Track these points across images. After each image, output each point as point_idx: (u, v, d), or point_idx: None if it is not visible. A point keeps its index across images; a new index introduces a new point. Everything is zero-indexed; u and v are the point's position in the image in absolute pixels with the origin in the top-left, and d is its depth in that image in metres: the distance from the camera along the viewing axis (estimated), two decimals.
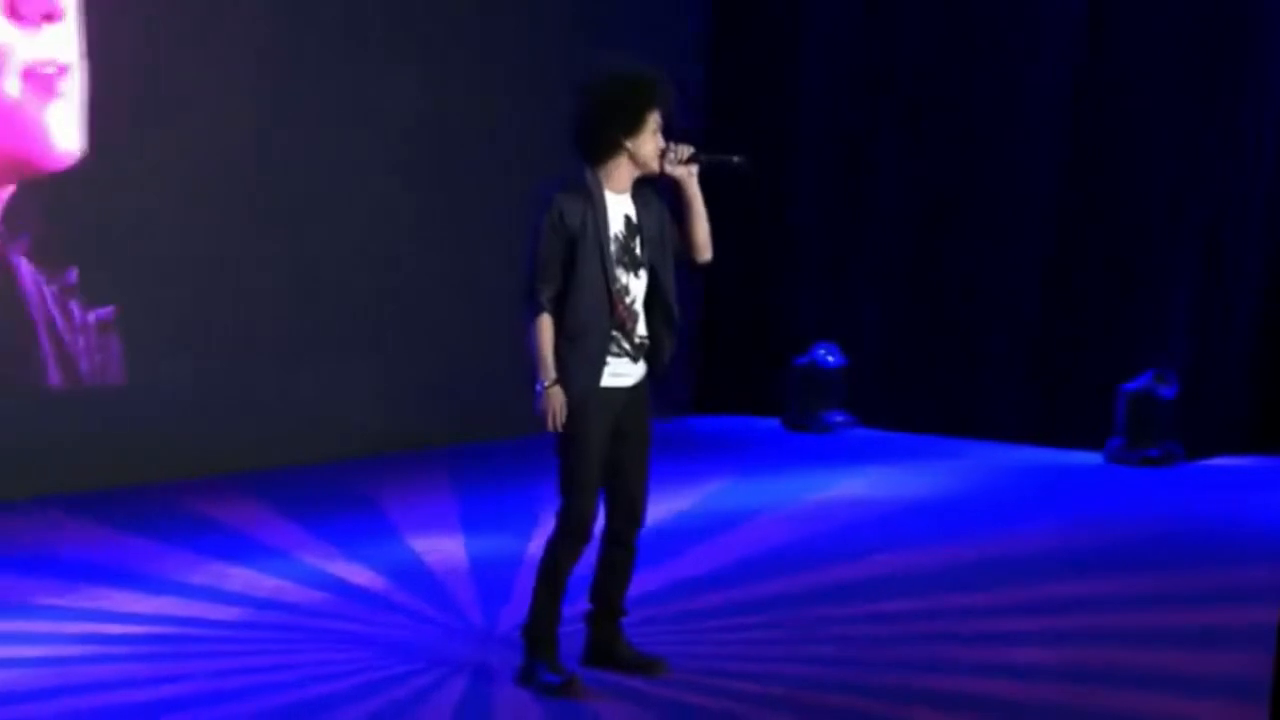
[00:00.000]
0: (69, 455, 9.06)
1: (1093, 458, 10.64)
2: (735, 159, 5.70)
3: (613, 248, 5.26)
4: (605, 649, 5.60)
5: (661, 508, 9.24)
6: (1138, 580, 7.67)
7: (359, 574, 7.56)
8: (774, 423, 12.19)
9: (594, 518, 5.30)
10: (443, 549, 8.04)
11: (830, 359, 11.79)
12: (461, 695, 5.66)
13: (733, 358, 12.52)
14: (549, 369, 5.13)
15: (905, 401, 11.84)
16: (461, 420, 11.46)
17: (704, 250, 5.47)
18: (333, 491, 9.54)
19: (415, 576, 7.58)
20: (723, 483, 10.36)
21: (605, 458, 5.29)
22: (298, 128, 10.47)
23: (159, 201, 9.56)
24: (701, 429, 12.40)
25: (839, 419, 11.59)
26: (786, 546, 8.59)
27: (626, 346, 5.28)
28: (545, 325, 5.11)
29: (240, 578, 7.33)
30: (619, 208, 5.26)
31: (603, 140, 5.19)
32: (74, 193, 9.54)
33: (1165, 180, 11.05)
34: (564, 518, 5.30)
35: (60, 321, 9.27)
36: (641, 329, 5.33)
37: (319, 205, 10.68)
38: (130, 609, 6.84)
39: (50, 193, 9.59)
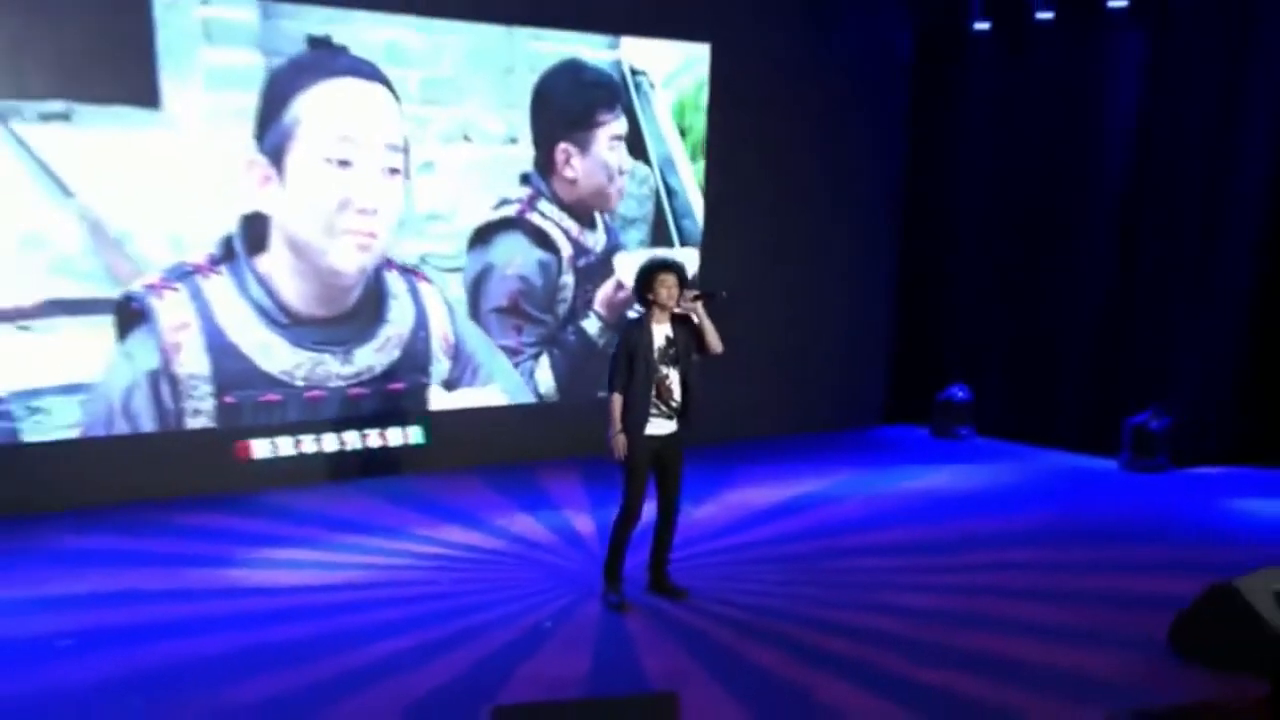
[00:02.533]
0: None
1: (1112, 464, 12.13)
2: (723, 293, 7.93)
3: (655, 354, 7.42)
4: (655, 580, 7.91)
5: (790, 489, 11.29)
6: (1078, 551, 9.18)
7: (540, 532, 9.68)
8: (925, 432, 13.97)
9: (640, 508, 7.61)
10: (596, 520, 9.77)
11: (960, 394, 13.66)
12: (573, 605, 7.87)
13: (909, 387, 14.24)
14: (617, 424, 7.36)
15: (1008, 418, 13.39)
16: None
17: (712, 349, 7.68)
18: (527, 480, 11.08)
19: (574, 538, 9.50)
20: (855, 471, 12.16)
21: (650, 474, 7.63)
22: None
23: None
24: (876, 434, 14.07)
25: (964, 431, 13.42)
26: (844, 517, 10.54)
27: (664, 409, 7.49)
28: (617, 401, 7.38)
29: (521, 524, 9.54)
30: (661, 331, 7.42)
31: (641, 300, 7.56)
32: None
33: (1163, 268, 12.09)
34: (623, 507, 7.58)
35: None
36: (676, 398, 7.51)
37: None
38: (408, 548, 9.16)
39: None
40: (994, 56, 13.30)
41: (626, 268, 12.00)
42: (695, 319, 7.55)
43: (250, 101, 10.20)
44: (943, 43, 13.69)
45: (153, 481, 10.16)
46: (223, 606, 7.80)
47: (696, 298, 7.55)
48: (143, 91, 9.57)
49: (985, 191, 13.54)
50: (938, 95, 13.88)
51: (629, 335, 7.49)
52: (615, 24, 12.11)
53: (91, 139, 9.49)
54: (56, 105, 9.31)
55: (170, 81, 9.66)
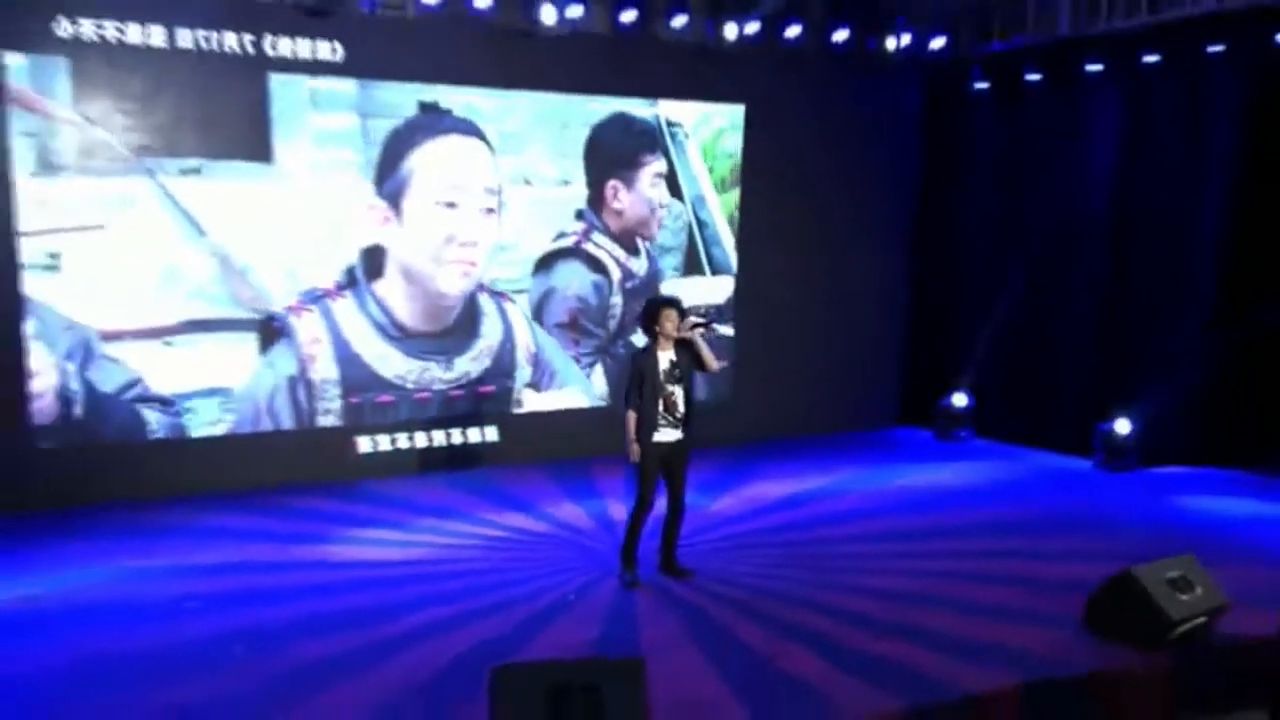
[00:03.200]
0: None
1: (1088, 464, 12.26)
2: (717, 329, 8.43)
3: (662, 376, 7.87)
4: (665, 563, 8.29)
5: (800, 483, 11.41)
6: (1033, 541, 9.31)
7: (581, 518, 10.04)
8: (930, 434, 14.05)
9: (652, 502, 8.09)
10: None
11: (962, 402, 13.79)
12: (595, 581, 8.21)
13: (918, 394, 14.33)
14: (631, 434, 7.85)
15: (1003, 422, 13.53)
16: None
17: (710, 368, 8.18)
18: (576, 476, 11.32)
19: (609, 524, 9.75)
20: (860, 469, 12.27)
21: (660, 475, 8.03)
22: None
23: None
24: (887, 435, 14.19)
25: (964, 434, 13.58)
26: (842, 509, 10.77)
27: (670, 419, 7.94)
28: (631, 417, 7.87)
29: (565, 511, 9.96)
30: (666, 356, 7.87)
31: (646, 330, 7.99)
32: None
33: (1138, 295, 12.19)
34: (637, 501, 8.04)
35: None
36: (680, 411, 7.96)
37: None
38: (470, 530, 9.65)
39: None
40: (992, 110, 13.55)
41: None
42: (697, 344, 7.94)
43: (349, 156, 10.96)
44: (948, 98, 13.96)
45: (277, 470, 10.89)
46: (314, 577, 8.42)
47: (695, 325, 7.96)
48: (259, 149, 10.45)
49: (985, 225, 13.75)
50: (944, 143, 14.12)
51: (639, 361, 7.95)
52: (661, 90, 12.57)
53: (219, 188, 10.36)
54: (192, 161, 10.14)
55: (281, 141, 10.53)
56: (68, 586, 8.16)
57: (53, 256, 9.86)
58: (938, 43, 12.81)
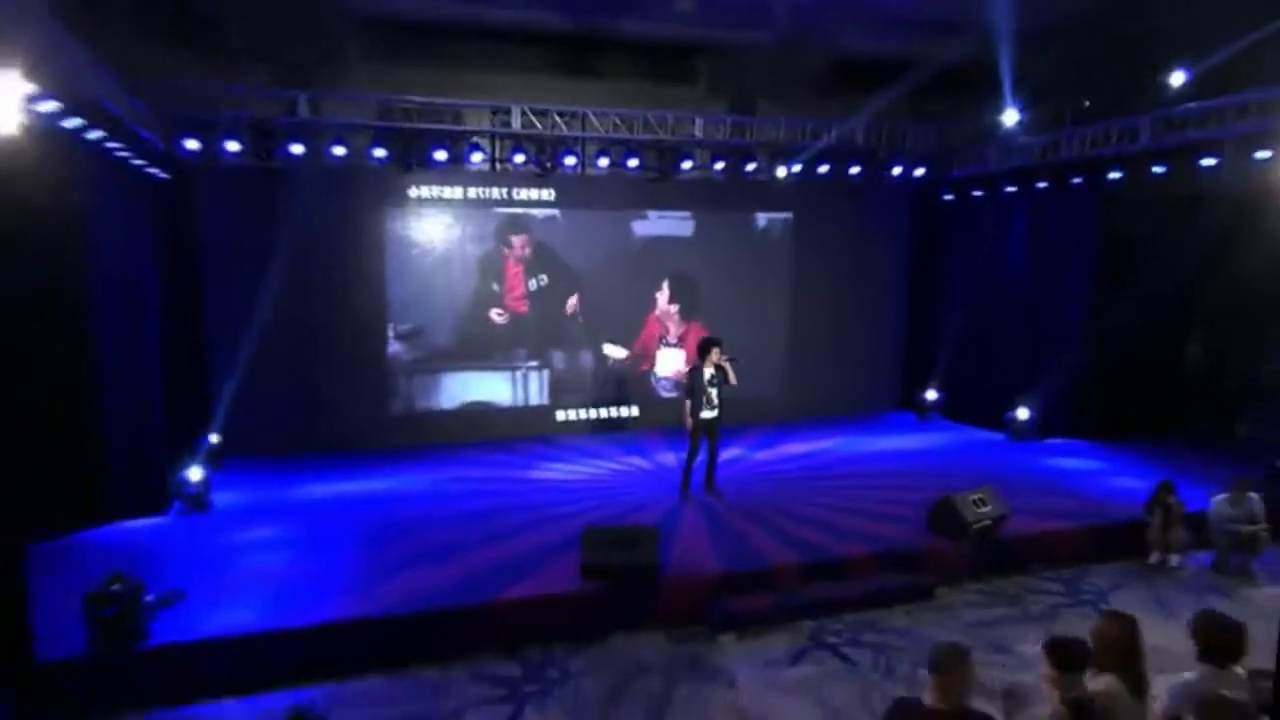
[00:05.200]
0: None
1: (1002, 437, 12.62)
2: (737, 359, 9.17)
3: (706, 381, 8.95)
4: (707, 486, 9.34)
5: (812, 445, 11.94)
6: (935, 480, 9.53)
7: (670, 461, 10.83)
8: (913, 416, 14.29)
9: (698, 452, 9.23)
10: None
11: (933, 395, 14.18)
12: (667, 497, 9.34)
13: (909, 388, 14.64)
14: (688, 413, 9.00)
15: (959, 409, 13.96)
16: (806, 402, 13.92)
17: (730, 382, 9.07)
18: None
19: (672, 468, 10.34)
20: (856, 437, 12.78)
21: (704, 436, 9.12)
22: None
23: None
24: (885, 416, 14.40)
25: (934, 416, 14.04)
26: (830, 461, 11.39)
27: (710, 406, 9.05)
28: (688, 403, 9.02)
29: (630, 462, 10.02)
30: (709, 371, 8.97)
31: (700, 356, 9.06)
32: None
33: (1040, 319, 12.50)
34: (690, 451, 9.21)
35: None
36: (716, 402, 9.08)
37: None
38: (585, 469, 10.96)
39: None
40: (954, 213, 14.09)
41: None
42: (727, 368, 9.22)
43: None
44: (927, 206, 14.46)
45: (513, 429, 12.57)
46: (524, 486, 10.14)
47: (728, 359, 9.24)
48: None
49: (951, 285, 14.14)
50: (924, 234, 14.63)
51: (694, 374, 9.20)
52: (754, 206, 13.55)
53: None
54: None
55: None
56: (399, 484, 10.14)
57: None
58: (919, 171, 13.22)
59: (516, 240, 12.45)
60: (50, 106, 5.86)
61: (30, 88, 5.32)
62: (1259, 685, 4.03)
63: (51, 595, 6.13)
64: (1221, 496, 8.20)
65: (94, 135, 7.17)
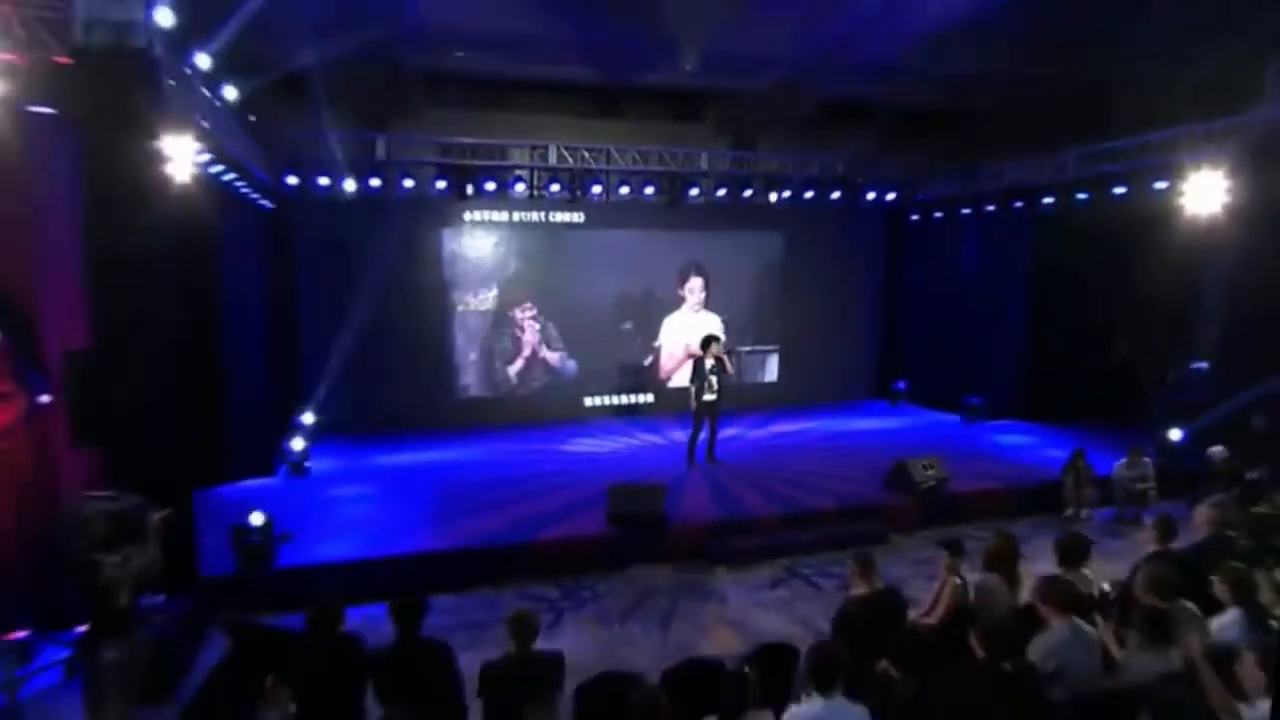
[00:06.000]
0: None
1: (957, 418, 12.94)
2: (737, 350, 10.06)
3: (708, 369, 9.44)
4: (709, 457, 9.93)
5: (797, 425, 12.35)
6: (894, 453, 9.54)
7: (680, 438, 10.89)
8: (885, 403, 14.69)
9: (701, 429, 9.84)
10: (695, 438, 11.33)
11: (902, 385, 14.61)
12: (678, 464, 9.80)
13: (883, 381, 14.93)
14: (693, 396, 9.55)
15: (923, 396, 14.40)
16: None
17: (728, 371, 9.55)
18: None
19: (680, 443, 10.40)
20: (834, 419, 13.14)
21: (706, 417, 9.69)
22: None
23: None
24: (861, 403, 14.81)
25: (902, 403, 14.44)
26: (809, 438, 11.84)
27: (711, 390, 9.56)
28: (693, 388, 9.56)
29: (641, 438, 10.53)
30: (710, 361, 9.46)
31: (704, 348, 9.47)
32: None
33: (989, 325, 12.98)
34: (694, 428, 9.85)
35: None
36: (716, 387, 9.57)
37: None
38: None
39: None
40: (920, 232, 14.51)
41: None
42: (725, 359, 9.84)
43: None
44: (897, 225, 14.89)
45: (551, 412, 13.17)
46: (558, 456, 10.85)
47: (726, 352, 9.95)
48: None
49: (917, 293, 14.67)
50: (896, 249, 15.10)
51: (697, 364, 9.80)
52: (750, 226, 13.69)
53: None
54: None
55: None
56: (458, 455, 10.91)
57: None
58: (890, 196, 13.64)
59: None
60: (205, 158, 6.90)
61: (198, 147, 6.42)
62: (1104, 589, 4.96)
63: (201, 532, 6.98)
64: (1122, 462, 8.95)
65: (228, 176, 8.14)
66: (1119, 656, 4.09)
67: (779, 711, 3.52)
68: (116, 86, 5.46)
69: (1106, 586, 5.00)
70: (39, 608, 5.78)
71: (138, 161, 5.78)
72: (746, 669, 3.59)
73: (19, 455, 5.82)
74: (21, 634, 5.59)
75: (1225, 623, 4.14)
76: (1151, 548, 5.21)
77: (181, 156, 6.16)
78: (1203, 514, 5.47)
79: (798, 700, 3.48)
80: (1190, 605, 4.00)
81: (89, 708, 4.56)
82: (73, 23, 5.39)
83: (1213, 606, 4.25)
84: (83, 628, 4.82)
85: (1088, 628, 4.05)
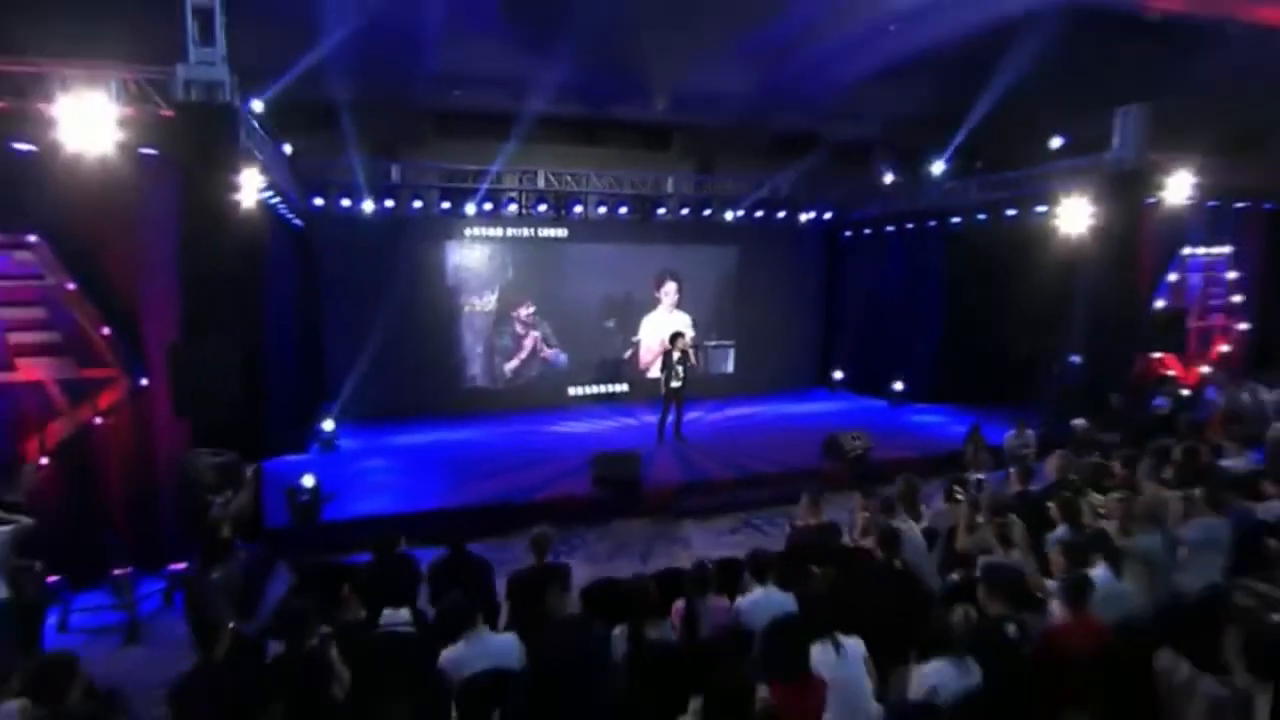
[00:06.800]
0: None
1: (884, 403, 13.49)
2: (703, 345, 10.98)
3: (675, 359, 9.96)
4: (676, 435, 10.31)
5: (753, 409, 12.81)
6: (835, 429, 9.97)
7: (651, 420, 10.78)
8: (825, 390, 15.14)
9: (669, 412, 10.29)
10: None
11: (840, 375, 15.07)
12: (652, 439, 10.25)
13: (825, 373, 15.46)
14: (662, 384, 10.08)
15: (858, 384, 14.81)
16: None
17: (692, 363, 10.03)
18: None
19: (652, 424, 10.77)
20: (786, 404, 13.61)
21: (673, 402, 10.21)
22: None
23: None
24: (806, 391, 15.19)
25: (840, 391, 14.85)
26: (760, 419, 12.33)
27: (678, 378, 10.06)
28: (662, 377, 10.06)
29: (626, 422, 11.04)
30: (677, 353, 9.97)
31: (671, 343, 10.08)
32: None
33: (911, 321, 13.54)
34: (662, 411, 10.38)
35: None
36: (681, 376, 10.07)
37: None
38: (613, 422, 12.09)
39: None
40: (854, 248, 15.14)
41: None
42: (690, 353, 10.53)
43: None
44: (833, 241, 15.46)
45: (541, 399, 13.45)
46: (548, 437, 11.33)
47: (692, 346, 10.63)
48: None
49: (842, 301, 15.38)
50: (833, 262, 15.63)
51: (666, 355, 10.32)
52: (711, 240, 14.07)
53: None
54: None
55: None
56: (464, 435, 11.41)
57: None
58: (827, 215, 14.21)
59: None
60: (264, 186, 7.78)
61: (263, 180, 7.30)
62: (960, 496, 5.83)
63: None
64: (1010, 433, 9.75)
65: (273, 200, 8.93)
66: (962, 542, 5.08)
67: (732, 598, 4.45)
68: (207, 133, 6.29)
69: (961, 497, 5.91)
70: (138, 549, 6.56)
71: (220, 192, 6.58)
72: (709, 565, 4.53)
73: (123, 427, 6.66)
74: (126, 569, 6.37)
75: (1057, 534, 5.05)
76: (1016, 488, 6.14)
77: (250, 187, 6.99)
78: (1051, 464, 6.48)
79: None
80: (1017, 519, 5.00)
81: (197, 617, 5.30)
82: (174, 83, 6.21)
83: (1050, 524, 5.22)
84: (174, 565, 5.78)
85: (916, 533, 5.13)
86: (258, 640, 4.19)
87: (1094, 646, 3.52)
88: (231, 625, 3.77)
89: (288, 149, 9.69)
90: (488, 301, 13.38)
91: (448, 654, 3.76)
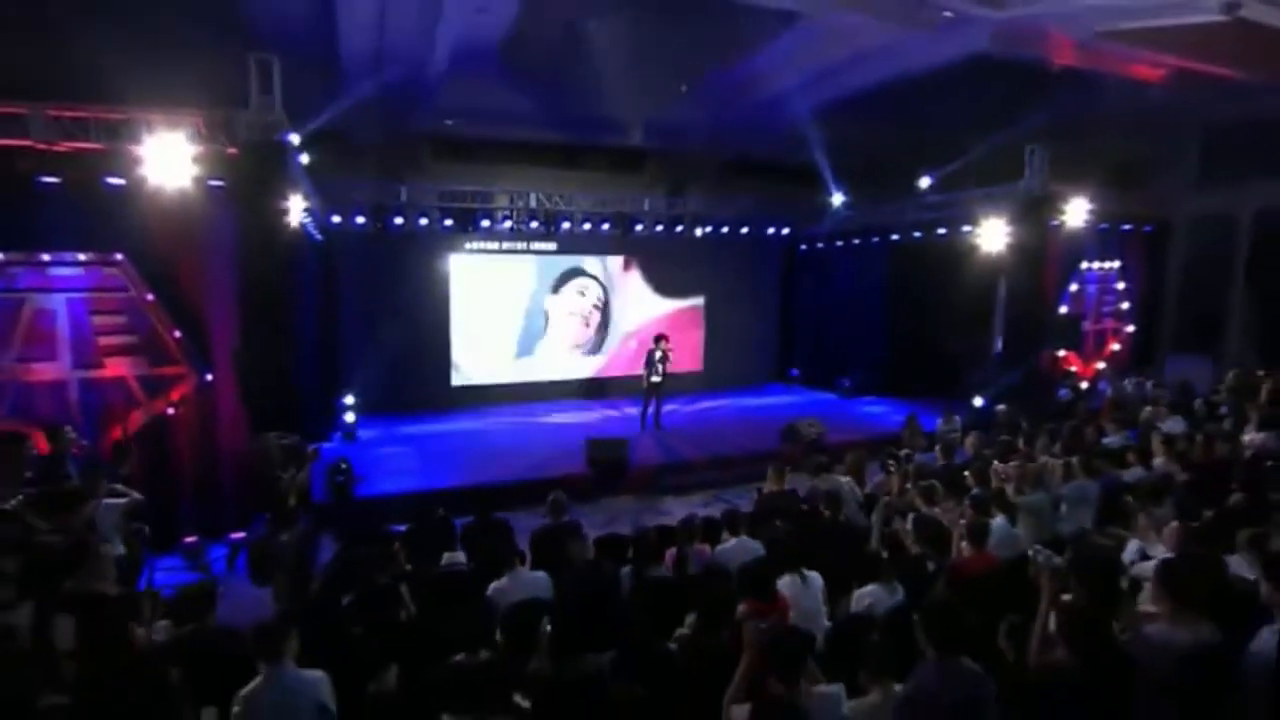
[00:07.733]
0: None
1: (834, 396, 14.08)
2: (672, 350, 10.75)
3: (658, 358, 10.66)
4: (655, 425, 10.83)
5: (718, 402, 13.36)
6: (790, 417, 10.56)
7: (634, 411, 11.38)
8: (782, 385, 15.62)
9: (650, 404, 11.03)
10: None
11: (796, 370, 15.61)
12: (633, 428, 10.85)
13: (783, 369, 15.98)
14: (645, 379, 10.88)
15: (812, 379, 15.32)
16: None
17: (670, 360, 10.66)
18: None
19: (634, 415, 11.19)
20: (748, 398, 14.12)
21: (652, 396, 10.85)
22: None
23: None
24: (764, 386, 15.48)
25: (796, 386, 15.41)
26: (731, 410, 12.91)
27: (658, 374, 10.73)
28: (645, 373, 10.84)
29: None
30: (659, 353, 10.67)
31: (656, 344, 10.76)
32: None
33: (860, 323, 14.15)
34: (644, 403, 11.00)
35: None
36: (661, 371, 10.77)
37: None
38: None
39: None
40: (810, 261, 15.67)
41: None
42: (668, 352, 11.09)
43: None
44: (792, 254, 15.85)
45: (533, 394, 13.78)
46: (539, 427, 11.76)
47: (669, 348, 11.15)
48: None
49: (806, 305, 15.81)
50: (792, 272, 16.05)
51: (650, 353, 10.89)
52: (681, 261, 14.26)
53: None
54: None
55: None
56: (468, 425, 11.87)
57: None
58: (785, 231, 14.51)
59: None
60: (304, 209, 8.42)
61: (305, 205, 7.95)
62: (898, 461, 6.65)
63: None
64: (940, 420, 10.54)
65: (304, 219, 9.45)
66: (895, 503, 5.95)
67: (713, 547, 5.24)
68: (264, 167, 6.92)
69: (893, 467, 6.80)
70: (202, 520, 7.20)
71: (272, 217, 7.21)
72: (697, 519, 5.33)
73: (191, 416, 7.29)
74: (193, 539, 7.04)
75: (973, 493, 5.92)
76: (941, 462, 7.02)
77: (295, 210, 7.66)
78: (969, 442, 7.40)
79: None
80: (937, 484, 5.85)
81: (266, 576, 5.92)
82: (237, 125, 6.86)
83: (967, 489, 6.05)
84: (235, 534, 6.33)
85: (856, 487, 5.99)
86: (326, 589, 4.70)
87: (986, 572, 4.37)
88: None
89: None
90: (489, 306, 13.79)
91: (494, 585, 4.43)
